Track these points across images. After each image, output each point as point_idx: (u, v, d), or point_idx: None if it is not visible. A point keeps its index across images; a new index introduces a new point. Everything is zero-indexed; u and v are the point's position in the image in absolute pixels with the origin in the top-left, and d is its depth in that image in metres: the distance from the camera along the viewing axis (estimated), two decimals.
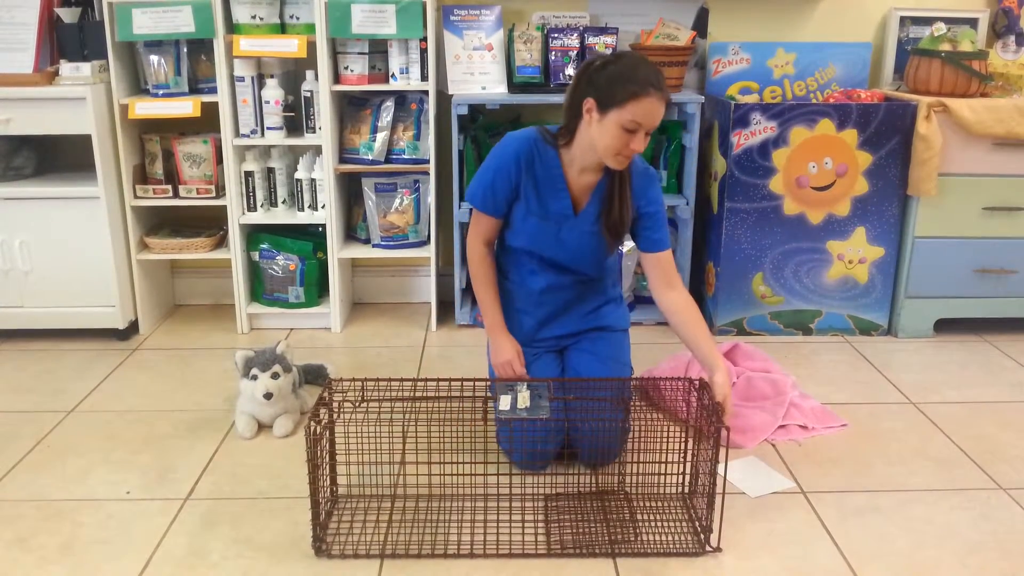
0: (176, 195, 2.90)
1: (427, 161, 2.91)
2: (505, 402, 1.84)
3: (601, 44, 2.88)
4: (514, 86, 2.96)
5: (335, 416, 1.83)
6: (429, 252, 2.98)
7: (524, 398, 1.85)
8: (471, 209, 2.11)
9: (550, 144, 2.02)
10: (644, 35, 2.96)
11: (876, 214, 2.86)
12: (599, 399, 1.94)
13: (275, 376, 2.21)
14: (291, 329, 3.05)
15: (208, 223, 3.09)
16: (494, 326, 2.15)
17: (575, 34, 2.89)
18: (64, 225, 2.77)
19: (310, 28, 2.77)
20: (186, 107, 2.78)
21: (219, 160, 2.89)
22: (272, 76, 2.84)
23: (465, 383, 1.88)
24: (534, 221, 2.05)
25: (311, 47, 2.77)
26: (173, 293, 3.27)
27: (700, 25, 3.05)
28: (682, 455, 1.94)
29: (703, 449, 1.81)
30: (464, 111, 2.77)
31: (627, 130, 1.85)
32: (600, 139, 1.89)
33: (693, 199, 2.93)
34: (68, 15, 2.77)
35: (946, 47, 2.79)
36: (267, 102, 2.84)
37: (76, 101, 2.66)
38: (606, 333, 2.22)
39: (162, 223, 3.11)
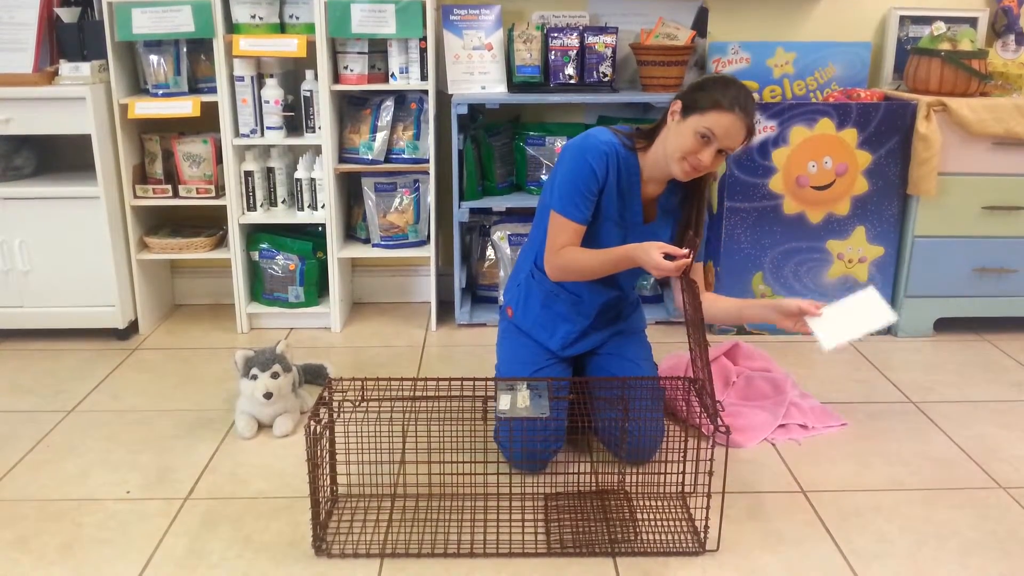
0: (176, 195, 2.89)
1: (427, 161, 2.91)
2: (505, 401, 1.84)
3: (601, 43, 2.88)
4: (514, 86, 2.96)
5: (335, 416, 1.83)
6: (429, 252, 2.98)
7: (524, 397, 1.85)
8: (555, 220, 1.98)
9: (629, 149, 2.00)
10: (644, 34, 2.96)
11: (876, 213, 2.86)
12: (644, 398, 1.97)
13: (275, 376, 2.21)
14: (291, 329, 3.05)
15: (208, 223, 3.10)
16: (625, 250, 1.91)
17: (575, 33, 2.89)
18: (64, 225, 2.77)
19: (310, 28, 2.77)
20: (186, 107, 2.78)
21: (219, 160, 2.89)
22: (272, 76, 2.84)
23: (465, 383, 1.89)
24: (608, 226, 2.03)
25: (311, 47, 2.76)
26: (173, 293, 3.27)
27: (700, 24, 3.05)
28: (682, 454, 1.94)
29: (702, 448, 1.81)
30: (464, 110, 2.77)
31: (701, 136, 1.86)
32: (674, 139, 1.90)
33: None
34: (68, 15, 2.77)
35: (946, 46, 2.79)
36: (267, 102, 2.84)
37: (76, 101, 2.66)
38: (628, 336, 2.23)
39: (162, 223, 3.11)
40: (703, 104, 1.85)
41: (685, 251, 1.80)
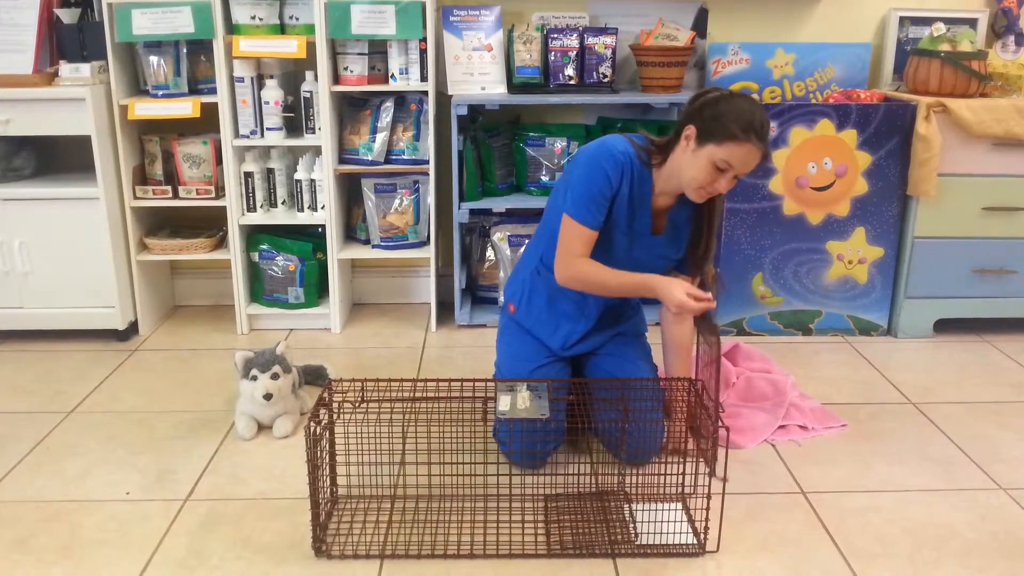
0: (176, 196, 2.89)
1: (427, 162, 2.91)
2: (505, 402, 1.84)
3: (600, 44, 2.88)
4: (513, 86, 2.97)
5: (335, 417, 1.83)
6: (429, 253, 2.98)
7: (524, 398, 1.85)
8: (571, 227, 1.97)
9: (644, 163, 1.98)
10: (644, 35, 2.97)
11: (876, 214, 2.87)
12: (645, 399, 1.97)
13: (275, 377, 2.21)
14: (291, 330, 3.05)
15: (208, 224, 3.09)
16: (646, 279, 1.95)
17: (574, 34, 2.89)
18: (64, 226, 2.77)
19: (310, 29, 2.77)
20: (186, 108, 2.78)
21: (219, 161, 2.89)
22: (272, 77, 2.84)
23: (465, 383, 1.89)
24: (617, 234, 2.02)
25: (311, 48, 2.77)
26: (173, 294, 3.27)
27: (699, 25, 3.05)
28: (682, 455, 1.94)
29: (702, 449, 1.81)
30: (464, 111, 2.77)
31: (717, 168, 1.86)
32: (688, 169, 1.89)
33: None
34: (68, 16, 2.77)
35: (945, 47, 2.79)
36: (267, 103, 2.84)
37: (76, 102, 2.66)
38: (628, 337, 2.24)
39: (162, 224, 3.11)
40: (718, 135, 1.83)
41: (709, 295, 1.83)
